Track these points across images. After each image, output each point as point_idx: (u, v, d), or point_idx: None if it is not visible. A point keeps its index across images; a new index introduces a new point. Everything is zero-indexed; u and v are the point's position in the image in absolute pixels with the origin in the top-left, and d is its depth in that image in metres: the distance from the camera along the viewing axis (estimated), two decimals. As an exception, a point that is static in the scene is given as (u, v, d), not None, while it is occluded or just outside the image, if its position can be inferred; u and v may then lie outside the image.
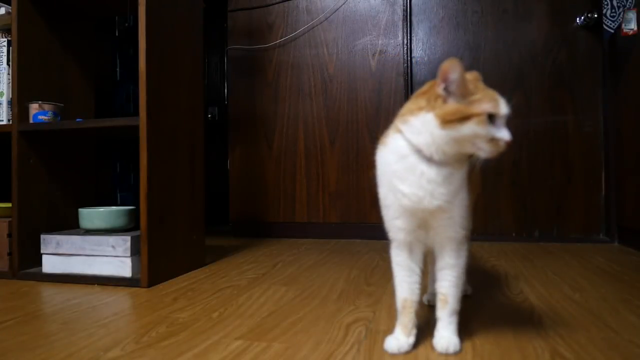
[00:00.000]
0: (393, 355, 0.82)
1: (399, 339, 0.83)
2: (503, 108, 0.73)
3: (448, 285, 0.83)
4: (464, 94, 0.72)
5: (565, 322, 0.98)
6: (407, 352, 0.82)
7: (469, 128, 0.71)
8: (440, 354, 0.81)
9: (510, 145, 0.72)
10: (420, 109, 0.76)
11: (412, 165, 0.76)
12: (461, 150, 0.74)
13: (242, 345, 0.87)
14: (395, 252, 0.85)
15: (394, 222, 0.81)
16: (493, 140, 0.72)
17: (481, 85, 0.76)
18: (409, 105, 0.79)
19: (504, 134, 0.72)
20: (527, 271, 1.51)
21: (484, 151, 0.72)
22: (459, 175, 0.78)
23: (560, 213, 2.17)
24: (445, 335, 0.83)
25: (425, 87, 0.79)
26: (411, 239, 0.83)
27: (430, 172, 0.75)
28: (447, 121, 0.72)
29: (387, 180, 0.80)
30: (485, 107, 0.71)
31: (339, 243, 2.23)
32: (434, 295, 1.05)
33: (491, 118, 0.72)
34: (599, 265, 1.59)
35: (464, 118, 0.71)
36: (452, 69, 0.71)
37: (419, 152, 0.75)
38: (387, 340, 0.84)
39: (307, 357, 0.80)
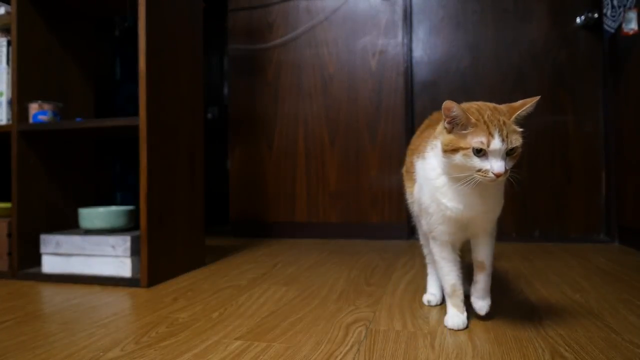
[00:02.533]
0: (457, 330, 0.93)
1: (459, 315, 0.94)
2: (494, 144, 0.78)
3: (486, 254, 0.95)
4: (464, 127, 0.81)
5: (565, 322, 0.97)
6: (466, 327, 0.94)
7: (458, 158, 0.82)
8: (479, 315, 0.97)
9: (500, 176, 0.79)
10: (439, 134, 0.88)
11: (448, 183, 0.87)
12: (464, 174, 0.82)
13: (242, 346, 0.87)
14: (440, 248, 0.95)
15: (439, 227, 0.93)
16: (481, 170, 0.80)
17: (488, 117, 0.81)
18: (438, 127, 0.90)
19: (493, 167, 0.79)
20: (527, 271, 1.51)
21: (477, 178, 0.81)
22: (494, 188, 0.88)
23: (560, 213, 2.17)
24: (479, 301, 0.97)
25: None
26: (454, 239, 0.94)
27: (465, 189, 0.84)
28: (444, 150, 0.84)
29: (429, 193, 0.91)
30: (473, 141, 0.79)
31: (339, 243, 2.23)
32: (434, 295, 1.14)
33: (478, 152, 0.80)
34: (599, 265, 1.59)
35: (454, 150, 0.82)
36: (449, 108, 0.81)
37: (446, 172, 0.87)
38: (449, 320, 0.94)
39: (307, 357, 0.80)
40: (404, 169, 1.13)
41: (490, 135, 0.79)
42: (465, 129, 0.81)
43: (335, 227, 2.41)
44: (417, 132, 1.15)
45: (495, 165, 0.79)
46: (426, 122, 1.16)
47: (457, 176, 0.84)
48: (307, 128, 2.47)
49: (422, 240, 1.18)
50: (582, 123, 2.15)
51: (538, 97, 0.85)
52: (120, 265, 1.41)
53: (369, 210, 2.37)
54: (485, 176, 0.80)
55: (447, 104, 0.81)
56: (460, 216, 0.88)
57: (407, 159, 1.09)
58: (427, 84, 2.31)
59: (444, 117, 0.83)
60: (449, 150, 0.83)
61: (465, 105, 0.84)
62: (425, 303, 1.12)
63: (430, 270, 1.17)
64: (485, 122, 0.80)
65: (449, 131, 0.83)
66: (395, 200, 2.32)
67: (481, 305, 0.97)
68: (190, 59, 1.64)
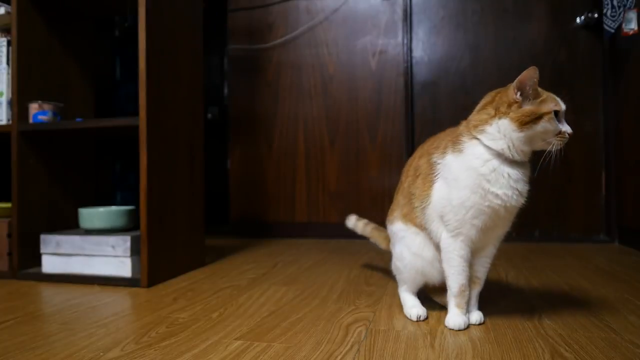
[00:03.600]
0: (458, 331, 0.93)
1: (462, 316, 0.95)
2: (562, 105, 0.87)
3: (484, 270, 0.99)
4: (535, 96, 0.87)
5: (565, 322, 0.98)
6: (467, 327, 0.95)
7: (542, 126, 0.85)
8: (474, 324, 0.97)
9: (571, 136, 0.87)
10: (492, 117, 0.89)
11: (498, 168, 0.88)
12: (534, 148, 0.89)
13: (242, 346, 0.87)
14: (460, 245, 0.94)
15: (472, 221, 0.91)
16: (560, 133, 0.86)
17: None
18: (478, 116, 0.92)
19: (567, 127, 0.87)
20: (527, 271, 1.51)
21: (554, 144, 0.87)
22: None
23: (560, 213, 2.17)
24: (473, 313, 0.98)
25: (487, 99, 0.94)
26: (479, 237, 0.93)
27: (515, 172, 0.88)
28: (524, 123, 0.86)
29: (472, 183, 0.89)
30: (551, 106, 0.86)
31: (339, 243, 2.23)
32: (422, 309, 1.07)
33: (555, 115, 0.86)
34: (599, 265, 1.59)
35: (537, 118, 0.85)
36: (531, 75, 0.85)
37: (499, 155, 0.88)
38: (451, 319, 0.94)
39: (307, 357, 0.80)
40: (411, 173, 1.03)
41: (557, 99, 0.87)
42: (535, 99, 0.87)
43: (335, 227, 2.41)
44: (418, 151, 1.07)
45: (567, 127, 0.87)
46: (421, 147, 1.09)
47: (530, 151, 0.89)
48: (307, 128, 2.47)
49: (399, 264, 1.06)
50: (582, 123, 2.15)
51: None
52: (120, 265, 1.41)
53: (369, 210, 2.37)
54: (563, 138, 0.86)
55: (528, 73, 0.85)
56: (507, 205, 0.88)
57: (421, 161, 1.01)
58: (427, 84, 2.31)
59: (515, 89, 0.87)
60: (531, 121, 0.85)
61: None
62: (415, 319, 1.01)
63: (403, 289, 1.09)
64: (544, 92, 0.88)
65: (520, 105, 0.87)
66: (395, 200, 2.32)
67: (478, 316, 0.98)
68: (190, 59, 1.64)
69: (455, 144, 0.93)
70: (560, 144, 0.86)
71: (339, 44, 2.42)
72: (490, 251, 0.99)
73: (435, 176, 0.96)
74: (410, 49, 2.33)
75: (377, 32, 2.38)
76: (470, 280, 0.97)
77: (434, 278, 1.03)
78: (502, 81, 2.35)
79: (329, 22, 2.44)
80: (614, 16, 1.92)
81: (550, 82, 2.18)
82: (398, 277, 1.10)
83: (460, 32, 2.27)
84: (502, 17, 2.23)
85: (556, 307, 1.09)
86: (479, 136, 0.90)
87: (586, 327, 0.94)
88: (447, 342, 0.87)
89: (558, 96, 0.89)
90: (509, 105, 0.88)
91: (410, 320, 1.01)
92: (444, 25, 2.29)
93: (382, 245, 1.34)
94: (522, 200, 0.90)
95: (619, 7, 1.90)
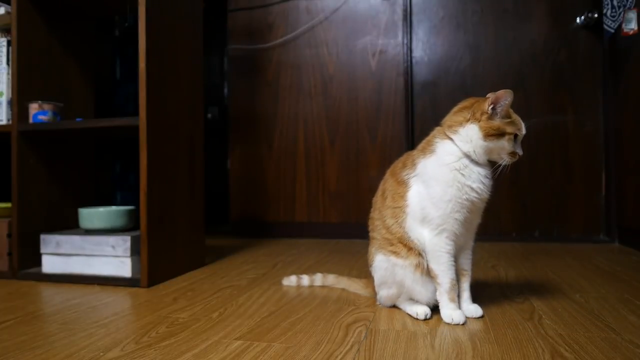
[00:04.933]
0: (457, 330, 0.93)
1: (459, 310, 0.99)
2: (524, 131, 0.98)
3: (468, 262, 1.04)
4: (505, 116, 0.96)
5: (565, 322, 0.97)
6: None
7: (501, 143, 0.95)
8: (476, 319, 1.00)
9: (521, 157, 0.99)
10: (466, 120, 0.97)
11: (469, 165, 0.96)
12: (490, 158, 0.98)
13: (242, 346, 0.87)
14: (445, 241, 0.99)
15: (453, 215, 0.97)
16: (513, 153, 0.97)
17: (512, 111, 0.99)
18: (454, 117, 1.00)
19: (520, 150, 0.98)
20: (527, 271, 1.51)
21: (505, 160, 0.97)
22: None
23: (560, 213, 2.17)
24: (470, 306, 1.02)
25: (466, 103, 1.01)
26: (461, 230, 0.99)
27: (482, 170, 0.97)
28: (489, 134, 0.94)
29: (448, 178, 0.96)
30: (515, 129, 0.96)
31: (339, 243, 2.23)
32: (423, 307, 1.06)
33: (514, 137, 0.96)
34: (599, 265, 1.59)
35: (501, 134, 0.95)
36: (506, 96, 0.93)
37: (467, 156, 0.96)
38: (454, 315, 0.97)
39: (307, 357, 0.80)
40: (379, 201, 1.17)
41: (521, 124, 0.98)
42: (504, 118, 0.95)
43: (335, 227, 2.41)
44: (381, 185, 1.17)
45: (520, 149, 0.98)
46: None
47: (487, 158, 0.97)
48: (307, 128, 2.47)
49: (393, 291, 1.07)
50: (582, 123, 2.15)
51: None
52: (120, 265, 1.41)
53: (368, 210, 2.36)
54: (513, 158, 0.97)
55: (505, 93, 0.93)
56: (480, 197, 0.97)
57: (387, 184, 1.11)
58: (427, 84, 2.31)
59: (490, 102, 0.94)
60: (495, 135, 0.94)
61: None
62: (422, 318, 1.02)
63: (402, 301, 1.09)
64: (514, 114, 0.98)
65: (489, 117, 0.95)
66: (395, 200, 2.32)
67: (475, 308, 1.02)
68: (190, 59, 1.64)
69: (427, 147, 1.01)
70: (509, 161, 0.97)
71: (339, 44, 2.42)
72: (470, 244, 1.05)
73: (407, 188, 1.02)
74: (410, 49, 2.33)
75: (377, 32, 2.37)
76: (459, 274, 1.03)
77: (424, 298, 1.04)
78: (502, 81, 2.37)
79: (329, 22, 2.44)
80: (614, 16, 1.92)
81: (550, 82, 2.18)
82: (397, 302, 1.09)
83: (460, 32, 2.27)
84: (502, 17, 2.23)
85: (556, 307, 1.09)
86: (452, 136, 0.98)
87: (586, 327, 0.94)
88: (447, 342, 0.87)
89: (525, 123, 1.00)
90: (482, 114, 0.96)
91: (417, 319, 1.01)
92: (444, 26, 2.29)
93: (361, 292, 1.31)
94: (489, 193, 0.99)
95: (619, 7, 1.90)
